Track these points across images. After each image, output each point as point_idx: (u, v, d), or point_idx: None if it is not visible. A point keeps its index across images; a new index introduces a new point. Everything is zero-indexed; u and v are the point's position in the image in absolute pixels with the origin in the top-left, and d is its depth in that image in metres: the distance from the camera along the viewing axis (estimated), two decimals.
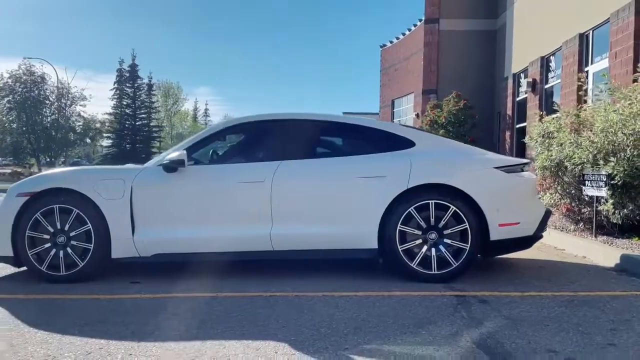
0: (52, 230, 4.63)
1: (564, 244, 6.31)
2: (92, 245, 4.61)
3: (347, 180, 4.63)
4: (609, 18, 10.54)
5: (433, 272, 4.47)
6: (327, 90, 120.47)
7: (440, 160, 4.70)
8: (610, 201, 6.33)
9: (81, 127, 35.64)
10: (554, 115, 11.40)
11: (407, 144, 4.79)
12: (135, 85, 43.12)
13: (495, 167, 4.64)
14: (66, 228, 4.62)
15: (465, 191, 4.45)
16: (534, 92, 14.29)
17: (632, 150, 6.06)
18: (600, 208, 6.43)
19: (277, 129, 4.96)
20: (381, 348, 2.93)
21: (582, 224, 7.21)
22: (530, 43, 14.80)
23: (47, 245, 4.63)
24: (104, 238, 4.61)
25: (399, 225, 4.49)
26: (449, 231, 4.48)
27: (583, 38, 11.89)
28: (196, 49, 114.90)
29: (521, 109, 15.75)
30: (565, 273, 4.95)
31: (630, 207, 6.15)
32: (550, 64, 13.90)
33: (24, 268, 4.94)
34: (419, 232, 4.50)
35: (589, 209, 7.06)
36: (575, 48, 12.01)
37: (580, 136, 6.61)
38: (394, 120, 37.77)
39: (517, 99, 16.05)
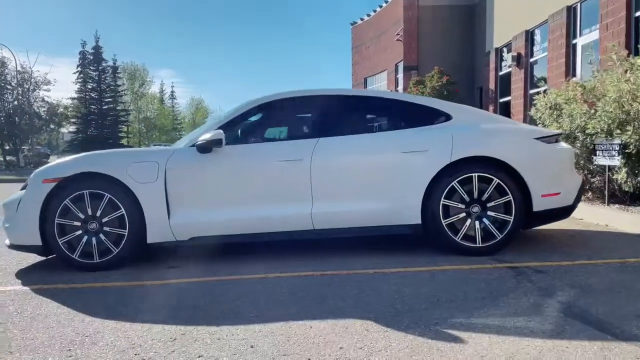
0: (82, 216, 4.43)
1: (581, 213, 6.41)
2: (127, 231, 4.44)
3: (388, 155, 4.57)
4: None
5: (478, 245, 4.47)
6: (297, 70, 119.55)
7: (482, 133, 4.68)
8: (624, 170, 6.45)
9: (46, 112, 34.35)
10: (543, 88, 11.54)
11: (444, 117, 4.75)
12: (100, 68, 41.85)
13: (535, 138, 4.64)
14: (98, 214, 4.44)
15: (508, 163, 4.45)
16: (518, 66, 14.43)
17: None
18: (614, 177, 6.55)
19: (312, 105, 4.86)
20: (470, 322, 2.90)
21: (590, 193, 7.35)
22: (514, 17, 14.91)
23: (79, 232, 4.44)
24: (138, 223, 4.45)
25: (442, 199, 4.46)
26: (492, 204, 4.48)
27: (570, 11, 12.01)
28: (155, 30, 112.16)
29: (504, 83, 15.93)
30: (599, 241, 5.03)
31: None
32: (535, 37, 14.04)
33: (42, 258, 4.78)
34: (463, 206, 4.49)
35: (598, 179, 7.20)
36: (563, 21, 12.13)
37: (595, 107, 6.68)
38: None
39: (500, 73, 16.21)
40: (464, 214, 4.49)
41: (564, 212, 4.71)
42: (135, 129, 52.71)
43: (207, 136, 4.48)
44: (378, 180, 4.53)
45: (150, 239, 4.50)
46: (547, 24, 12.83)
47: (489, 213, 4.49)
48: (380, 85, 35.62)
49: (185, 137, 5.14)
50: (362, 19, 37.78)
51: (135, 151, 4.80)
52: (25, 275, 4.43)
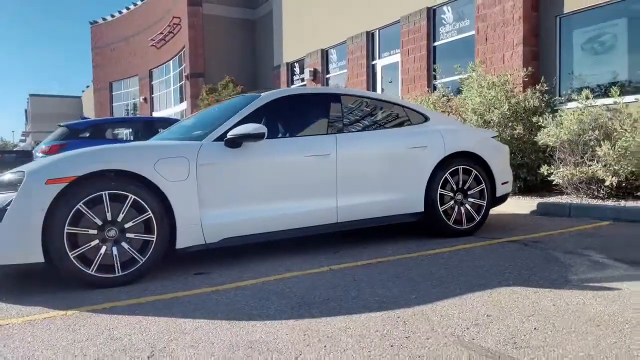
0: (100, 223, 3.70)
1: None
2: (155, 236, 3.86)
3: (400, 150, 4.98)
4: (399, 20, 12.56)
5: (463, 227, 5.21)
6: (32, 69, 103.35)
7: (461, 132, 5.47)
8: None
9: None
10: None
11: (424, 118, 5.38)
12: None
13: (492, 137, 5.64)
14: (119, 219, 3.76)
15: (482, 156, 5.31)
16: (315, 81, 15.85)
17: (498, 126, 7.85)
18: None
19: (323, 102, 4.93)
20: (591, 277, 3.59)
21: None
22: (307, 36, 16.28)
23: (95, 242, 3.69)
24: (167, 226, 3.92)
25: (439, 189, 5.09)
26: (471, 191, 5.28)
27: (369, 36, 13.82)
28: None
29: None
30: (517, 220, 6.26)
31: None
32: (331, 56, 15.62)
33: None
34: (452, 194, 5.19)
35: None
36: (363, 44, 13.88)
37: (463, 117, 8.13)
38: (113, 104, 35.54)
39: (292, 86, 17.45)
40: (452, 202, 5.19)
41: (506, 197, 5.80)
42: None
43: (246, 130, 4.18)
44: (392, 173, 4.91)
45: (180, 244, 4.00)
46: (346, 45, 14.48)
47: (470, 199, 5.28)
48: (130, 91, 33.90)
49: (173, 130, 4.61)
50: (104, 19, 35.46)
51: (159, 145, 4.16)
52: (31, 298, 3.46)
